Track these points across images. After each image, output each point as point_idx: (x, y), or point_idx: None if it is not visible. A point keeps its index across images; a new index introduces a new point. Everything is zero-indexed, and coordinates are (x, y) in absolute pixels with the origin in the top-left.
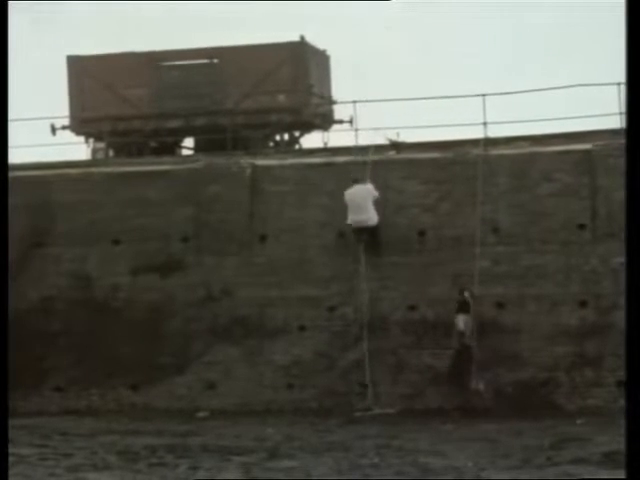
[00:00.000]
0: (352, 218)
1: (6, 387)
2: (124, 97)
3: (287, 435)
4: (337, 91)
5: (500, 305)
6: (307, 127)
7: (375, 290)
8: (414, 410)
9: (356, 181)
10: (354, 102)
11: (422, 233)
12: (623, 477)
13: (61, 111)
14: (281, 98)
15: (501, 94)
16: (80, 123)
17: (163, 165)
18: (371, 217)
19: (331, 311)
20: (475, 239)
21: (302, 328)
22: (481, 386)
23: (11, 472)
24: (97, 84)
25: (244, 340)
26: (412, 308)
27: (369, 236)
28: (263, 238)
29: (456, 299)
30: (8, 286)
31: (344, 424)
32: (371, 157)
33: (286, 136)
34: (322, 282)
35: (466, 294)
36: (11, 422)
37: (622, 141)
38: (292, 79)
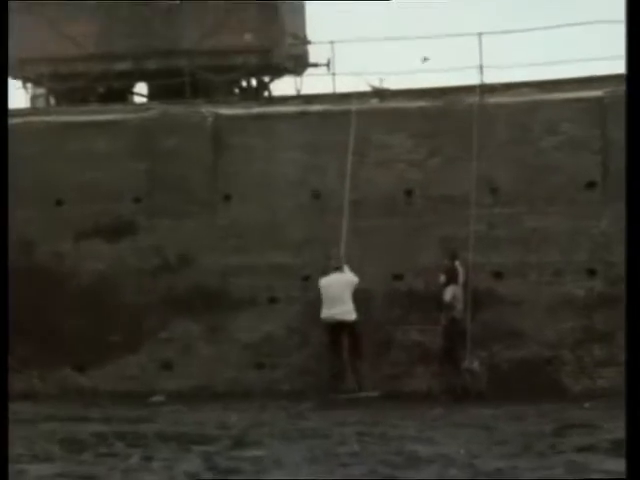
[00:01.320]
0: (325, 312)
1: (6, 386)
2: (66, 34)
3: (254, 421)
4: (312, 30)
5: (497, 274)
6: (277, 71)
7: (356, 257)
8: (400, 393)
9: (337, 268)
10: (331, 43)
11: (409, 193)
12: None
13: None
14: (248, 37)
15: (500, 33)
16: (17, 65)
17: (112, 114)
18: (349, 310)
19: (305, 281)
20: (469, 199)
21: (272, 300)
22: (475, 365)
23: None
24: (36, 19)
25: (205, 314)
26: (398, 278)
27: (348, 335)
28: (227, 198)
29: (443, 267)
30: (8, 286)
31: (320, 408)
32: (351, 106)
33: (254, 82)
34: (295, 248)
35: (457, 262)
36: None
37: None
38: (260, 15)
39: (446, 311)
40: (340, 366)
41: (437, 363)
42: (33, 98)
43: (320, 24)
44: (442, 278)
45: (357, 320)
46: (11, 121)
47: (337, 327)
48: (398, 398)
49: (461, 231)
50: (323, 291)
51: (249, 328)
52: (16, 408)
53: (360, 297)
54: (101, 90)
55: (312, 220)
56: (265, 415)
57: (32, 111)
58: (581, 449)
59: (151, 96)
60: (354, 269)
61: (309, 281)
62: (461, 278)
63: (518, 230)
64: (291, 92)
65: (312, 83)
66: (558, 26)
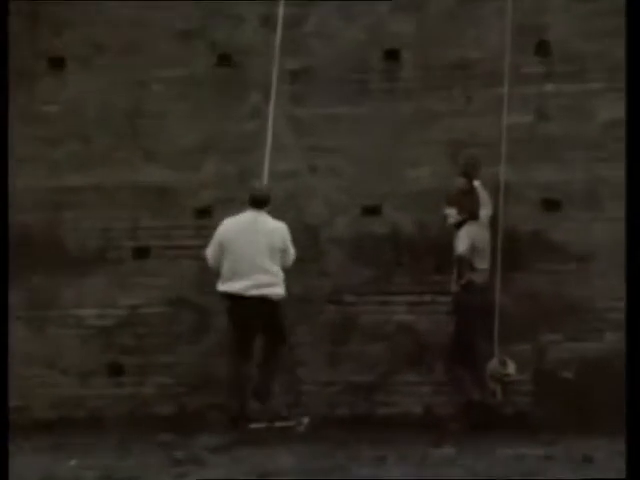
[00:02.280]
0: (229, 284)
1: (6, 389)
2: None
3: (105, 474)
4: None
5: (552, 205)
6: None
7: (296, 173)
8: (373, 417)
9: (257, 204)
10: None
11: (392, 55)
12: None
13: None
14: None
15: None
16: None
17: None
18: (272, 282)
19: (201, 218)
20: (500, 67)
21: (140, 253)
22: (509, 369)
23: None
24: None
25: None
26: (370, 212)
27: (269, 322)
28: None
29: (454, 193)
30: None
31: (225, 446)
32: None
33: None
34: (179, 157)
35: (476, 184)
36: None
37: None
38: None
39: (458, 271)
40: (263, 376)
41: (441, 363)
42: None
43: None
44: (451, 213)
45: (284, 298)
46: None
47: (249, 309)
48: (370, 426)
49: (485, 125)
50: (226, 245)
51: (97, 303)
52: None
53: (301, 245)
54: None
55: (212, 110)
56: (128, 462)
57: None
58: None
59: None
60: (289, 197)
61: (209, 219)
62: (485, 212)
63: (587, 124)
64: None
65: None
66: None
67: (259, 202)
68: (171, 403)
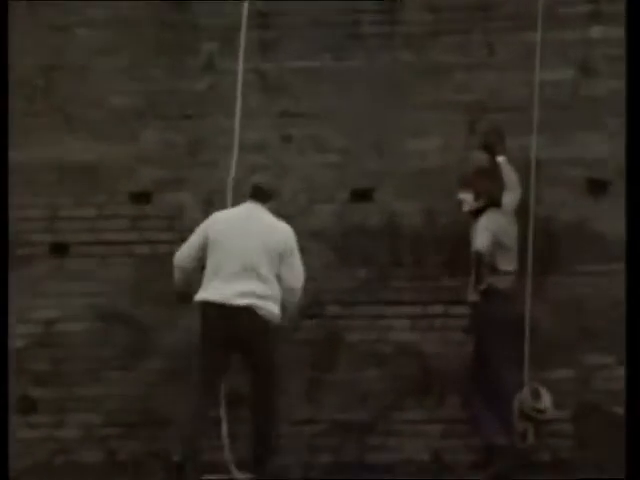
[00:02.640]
0: (212, 291)
1: (6, 386)
2: None
3: None
4: None
5: (598, 186)
6: None
7: (264, 145)
8: (364, 466)
9: (257, 197)
10: None
11: None
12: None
13: None
14: None
15: None
16: None
17: None
18: (266, 294)
19: (139, 204)
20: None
21: (61, 249)
22: (544, 403)
23: None
24: None
25: None
26: (361, 196)
27: (257, 347)
28: None
29: (471, 171)
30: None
31: None
32: None
33: None
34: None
35: (500, 159)
36: None
37: None
38: None
39: (476, 274)
40: (260, 428)
41: (455, 396)
42: None
43: None
44: (467, 198)
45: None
46: None
47: (232, 325)
48: (362, 476)
49: (512, 82)
50: (212, 243)
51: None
52: None
53: None
54: None
55: (152, 64)
56: None
57: None
58: None
59: None
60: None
61: (149, 206)
62: (512, 198)
63: None
64: None
65: None
66: None
67: (260, 194)
68: (98, 448)
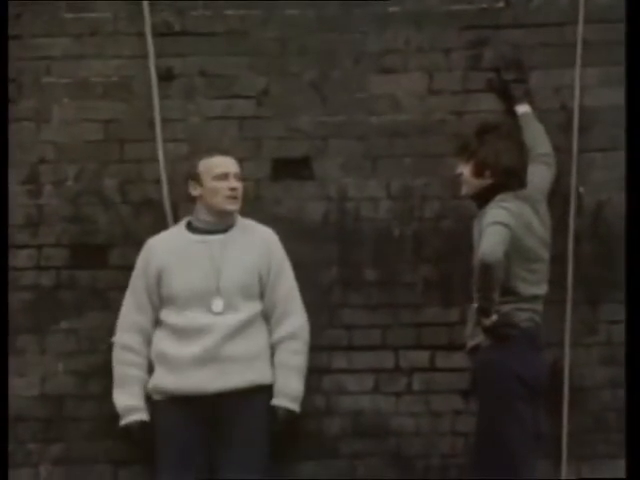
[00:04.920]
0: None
1: (6, 386)
2: None
3: None
4: None
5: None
6: None
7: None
8: None
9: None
10: None
11: None
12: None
13: None
14: None
15: None
16: None
17: None
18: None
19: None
20: None
21: None
22: None
23: None
24: None
25: None
26: (292, 168)
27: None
28: None
29: (480, 121)
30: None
31: None
32: None
33: None
34: None
35: (521, 108)
36: None
37: None
38: None
39: (483, 299)
40: None
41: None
42: None
43: None
44: (467, 174)
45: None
46: None
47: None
48: None
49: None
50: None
51: None
52: None
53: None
54: None
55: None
56: None
57: None
58: None
59: None
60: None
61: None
62: (543, 175)
63: None
64: None
65: None
66: None
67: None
68: None
